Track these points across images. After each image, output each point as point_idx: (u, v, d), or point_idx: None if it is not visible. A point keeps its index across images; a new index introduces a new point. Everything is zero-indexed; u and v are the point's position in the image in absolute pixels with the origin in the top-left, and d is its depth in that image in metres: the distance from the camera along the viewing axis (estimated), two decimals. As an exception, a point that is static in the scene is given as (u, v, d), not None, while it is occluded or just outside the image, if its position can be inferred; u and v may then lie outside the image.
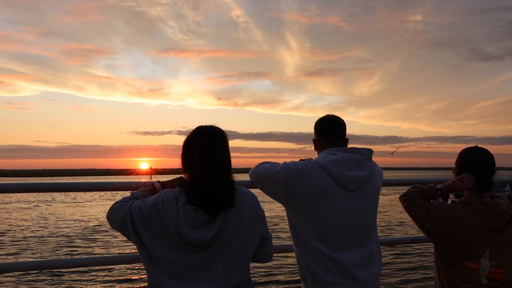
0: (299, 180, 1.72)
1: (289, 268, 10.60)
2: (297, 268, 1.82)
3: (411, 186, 2.12)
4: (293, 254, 1.84)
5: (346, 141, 1.90)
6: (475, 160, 1.95)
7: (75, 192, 46.04)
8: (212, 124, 1.60)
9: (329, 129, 1.88)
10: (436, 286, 2.05)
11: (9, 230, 19.15)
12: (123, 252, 13.96)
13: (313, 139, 1.95)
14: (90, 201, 36.43)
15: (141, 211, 1.46)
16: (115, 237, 16.52)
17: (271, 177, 1.78)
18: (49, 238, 16.98)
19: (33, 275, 10.64)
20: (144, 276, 10.45)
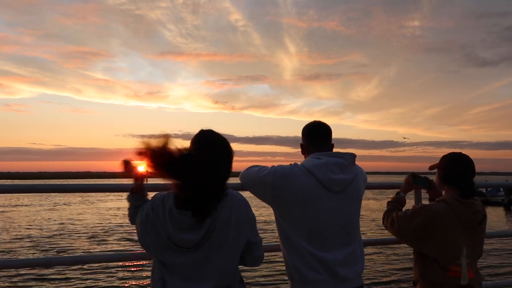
0: (286, 183, 1.80)
1: (277, 267, 10.81)
2: (285, 267, 1.89)
3: (386, 209, 2.24)
4: (281, 254, 1.91)
5: (332, 146, 1.98)
6: (465, 169, 2.03)
7: (67, 194, 46.18)
8: (211, 129, 1.62)
9: (316, 135, 1.97)
10: (415, 286, 2.11)
11: None
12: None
13: (301, 144, 2.03)
14: (68, 204, 36.25)
15: (140, 217, 1.57)
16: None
17: (260, 180, 1.86)
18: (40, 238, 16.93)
19: (31, 273, 10.67)
20: (139, 274, 10.53)
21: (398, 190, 2.33)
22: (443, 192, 2.14)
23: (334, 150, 1.97)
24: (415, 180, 2.28)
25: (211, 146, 1.53)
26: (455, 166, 2.04)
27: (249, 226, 1.64)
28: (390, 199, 2.28)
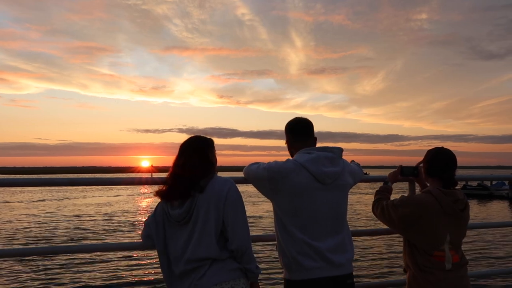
0: (280, 177, 1.94)
1: (272, 257, 11.19)
2: (278, 258, 2.02)
3: (375, 198, 2.38)
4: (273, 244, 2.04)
5: (315, 140, 2.11)
6: (447, 162, 2.19)
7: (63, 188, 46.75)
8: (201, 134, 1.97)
9: (298, 131, 2.08)
10: (405, 272, 2.27)
11: None
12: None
13: (286, 141, 2.13)
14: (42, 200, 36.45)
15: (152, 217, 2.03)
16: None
17: (257, 175, 2.02)
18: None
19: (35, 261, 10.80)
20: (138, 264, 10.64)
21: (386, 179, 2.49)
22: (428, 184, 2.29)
23: (330, 144, 2.09)
24: (402, 173, 2.47)
25: (180, 150, 1.98)
26: (437, 160, 2.21)
27: (223, 204, 1.85)
28: (378, 189, 2.43)
